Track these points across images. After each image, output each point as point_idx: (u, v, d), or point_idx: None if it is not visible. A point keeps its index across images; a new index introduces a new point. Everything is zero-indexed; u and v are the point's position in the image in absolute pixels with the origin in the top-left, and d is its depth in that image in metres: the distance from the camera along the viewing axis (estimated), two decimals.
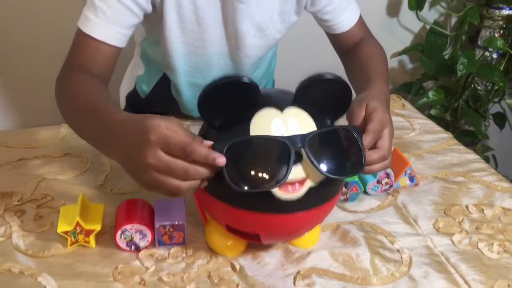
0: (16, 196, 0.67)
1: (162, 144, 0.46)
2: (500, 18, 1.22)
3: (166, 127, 0.47)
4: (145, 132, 0.46)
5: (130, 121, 0.50)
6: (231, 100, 0.51)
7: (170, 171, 0.46)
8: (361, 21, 0.81)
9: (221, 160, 0.47)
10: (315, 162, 0.48)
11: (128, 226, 0.58)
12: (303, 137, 0.49)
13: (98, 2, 0.64)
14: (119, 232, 0.58)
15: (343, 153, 0.52)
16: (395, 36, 1.39)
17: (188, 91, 0.83)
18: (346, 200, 0.69)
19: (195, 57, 0.77)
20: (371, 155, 0.55)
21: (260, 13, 0.73)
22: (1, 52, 1.14)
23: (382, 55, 0.78)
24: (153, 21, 0.71)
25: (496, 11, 1.22)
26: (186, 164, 0.46)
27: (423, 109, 1.30)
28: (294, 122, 0.51)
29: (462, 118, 1.30)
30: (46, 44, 1.14)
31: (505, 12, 1.21)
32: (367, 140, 0.54)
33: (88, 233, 0.58)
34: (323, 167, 0.49)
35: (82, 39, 0.64)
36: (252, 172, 0.48)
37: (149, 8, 0.68)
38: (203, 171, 0.47)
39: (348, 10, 0.79)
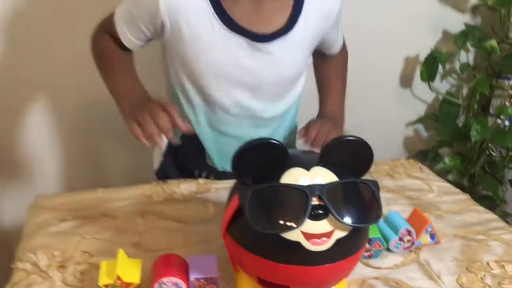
0: (58, 253, 0.71)
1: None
2: (509, 88, 1.29)
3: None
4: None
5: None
6: (261, 160, 0.56)
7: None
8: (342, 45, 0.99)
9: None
10: (332, 209, 0.53)
11: (165, 279, 0.61)
12: (322, 186, 0.54)
13: (127, 14, 0.81)
14: (156, 285, 0.61)
15: (360, 203, 0.56)
16: (409, 106, 1.46)
17: (209, 135, 0.91)
18: (370, 256, 0.72)
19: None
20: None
21: (285, 63, 0.84)
22: (46, 126, 1.24)
23: (343, 62, 1.00)
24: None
25: (505, 81, 1.29)
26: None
27: (440, 175, 1.33)
28: (320, 180, 0.56)
29: (479, 184, 1.33)
30: (89, 117, 1.24)
31: None
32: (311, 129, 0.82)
33: (127, 286, 0.62)
34: (341, 214, 0.53)
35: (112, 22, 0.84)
36: (274, 215, 0.53)
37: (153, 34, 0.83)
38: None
39: (338, 41, 0.95)
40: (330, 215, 0.54)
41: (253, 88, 0.84)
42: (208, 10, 0.77)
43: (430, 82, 1.34)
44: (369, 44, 1.36)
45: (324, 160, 0.58)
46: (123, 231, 0.77)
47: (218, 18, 0.77)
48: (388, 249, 0.73)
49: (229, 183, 0.89)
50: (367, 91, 1.41)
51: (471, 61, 1.40)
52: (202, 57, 0.80)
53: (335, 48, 0.96)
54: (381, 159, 1.04)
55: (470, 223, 0.81)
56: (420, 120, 1.43)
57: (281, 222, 0.53)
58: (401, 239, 0.73)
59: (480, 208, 0.87)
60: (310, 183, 0.55)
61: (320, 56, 0.96)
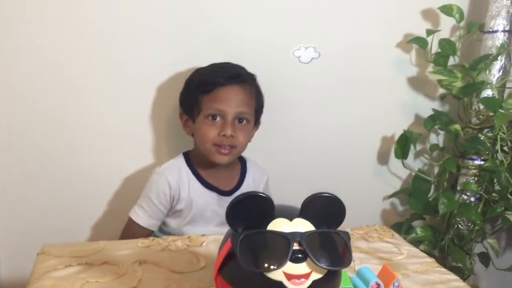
0: None
1: None
2: (473, 167, 1.42)
3: None
4: None
5: None
6: (251, 211, 0.67)
7: None
8: None
9: None
10: (310, 254, 0.62)
11: None
12: (302, 234, 0.64)
13: (145, 206, 1.24)
14: None
15: (333, 250, 0.66)
16: (385, 181, 1.59)
17: None
18: None
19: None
20: None
21: None
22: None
23: None
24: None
25: (470, 161, 1.43)
26: None
27: (413, 245, 1.43)
28: (300, 229, 0.66)
29: (449, 255, 1.42)
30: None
31: (477, 162, 1.42)
32: None
33: None
34: (317, 258, 0.63)
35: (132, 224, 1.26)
36: (260, 257, 0.62)
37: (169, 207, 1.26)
38: None
39: None
40: (308, 259, 0.63)
41: (219, 224, 1.26)
42: (193, 179, 1.26)
43: (404, 160, 1.47)
44: (349, 125, 1.52)
45: (304, 213, 0.68)
46: (123, 276, 0.85)
47: (199, 182, 1.26)
48: None
49: (217, 237, 1.00)
50: (348, 167, 1.54)
51: (440, 143, 1.54)
52: (193, 208, 1.25)
53: None
54: (357, 226, 1.15)
55: (433, 281, 0.91)
56: (394, 194, 1.55)
57: (267, 263, 0.63)
58: None
59: (444, 270, 0.96)
60: (292, 231, 0.65)
61: None
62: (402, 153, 1.45)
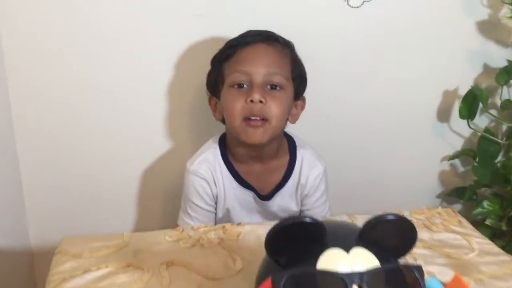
0: None
1: None
2: None
3: None
4: None
5: None
6: (297, 239, 0.53)
7: None
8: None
9: None
10: None
11: None
12: (362, 274, 0.50)
13: (192, 212, 1.06)
14: None
15: None
16: (446, 140, 1.40)
17: None
18: None
19: None
20: None
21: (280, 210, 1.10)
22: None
23: None
24: None
25: None
26: None
27: (478, 219, 1.28)
28: (360, 264, 0.52)
29: None
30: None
31: None
32: None
33: None
34: None
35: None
36: None
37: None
38: None
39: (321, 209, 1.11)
40: None
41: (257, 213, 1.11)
42: (230, 177, 1.06)
43: (469, 120, 1.28)
44: (405, 77, 1.32)
45: (364, 239, 0.54)
46: (148, 283, 0.75)
47: (235, 181, 1.06)
48: None
49: (255, 227, 0.88)
50: (403, 124, 1.37)
51: None
52: (227, 203, 1.08)
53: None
54: (417, 209, 1.00)
55: None
56: (456, 156, 1.37)
57: None
58: None
59: None
60: (350, 268, 0.51)
61: None
62: (468, 113, 1.26)
